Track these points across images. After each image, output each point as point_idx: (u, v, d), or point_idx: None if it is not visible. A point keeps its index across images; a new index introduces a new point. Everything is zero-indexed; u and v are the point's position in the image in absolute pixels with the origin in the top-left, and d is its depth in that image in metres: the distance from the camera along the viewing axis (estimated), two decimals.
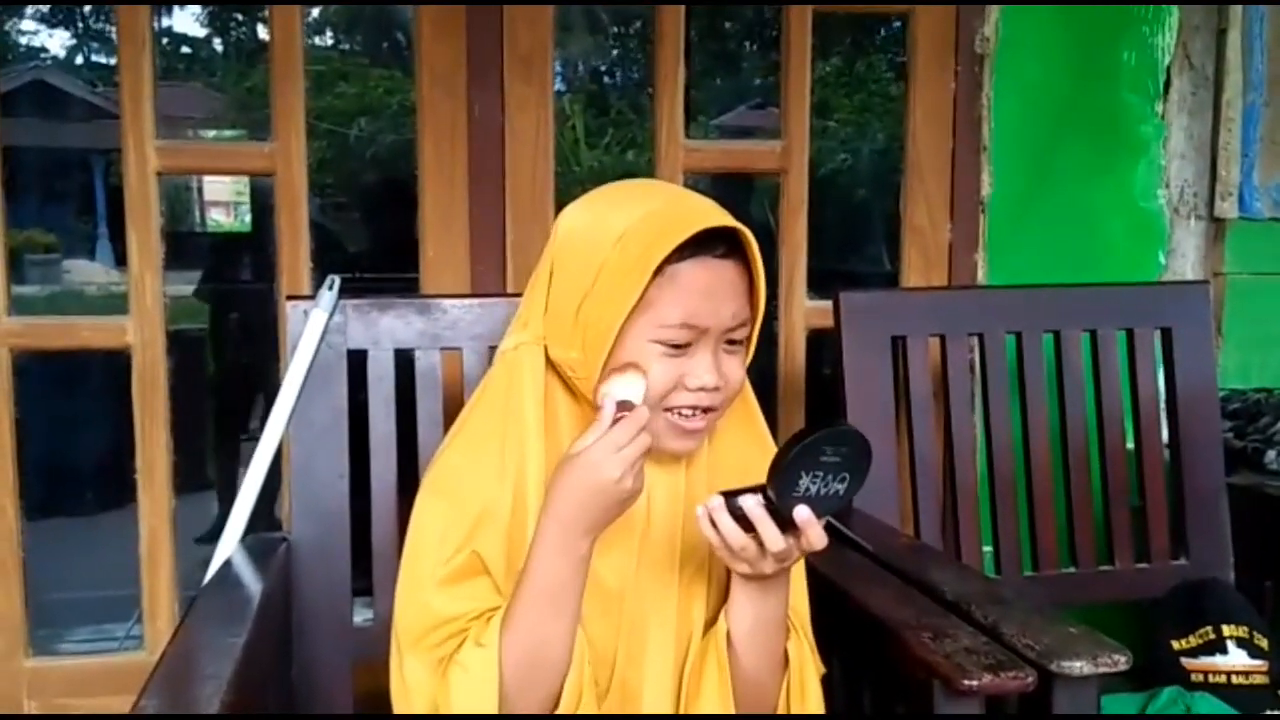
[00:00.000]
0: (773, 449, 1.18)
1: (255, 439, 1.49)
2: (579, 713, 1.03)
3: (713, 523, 0.98)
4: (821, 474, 0.95)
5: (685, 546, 1.10)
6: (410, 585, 1.06)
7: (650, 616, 1.08)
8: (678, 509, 1.10)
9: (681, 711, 1.07)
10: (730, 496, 0.98)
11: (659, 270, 1.00)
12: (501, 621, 1.01)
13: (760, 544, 0.98)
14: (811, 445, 0.94)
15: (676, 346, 1.03)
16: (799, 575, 1.14)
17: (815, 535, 0.97)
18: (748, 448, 1.16)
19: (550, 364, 1.08)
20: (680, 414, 1.05)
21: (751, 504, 0.96)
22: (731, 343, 1.06)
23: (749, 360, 1.10)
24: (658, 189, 1.10)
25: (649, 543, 1.09)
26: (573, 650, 1.02)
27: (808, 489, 0.95)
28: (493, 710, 0.99)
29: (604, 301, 1.01)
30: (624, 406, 1.01)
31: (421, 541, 1.07)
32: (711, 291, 1.02)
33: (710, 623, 1.10)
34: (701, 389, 1.04)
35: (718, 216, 1.03)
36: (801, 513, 0.95)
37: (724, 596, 1.09)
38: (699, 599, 1.10)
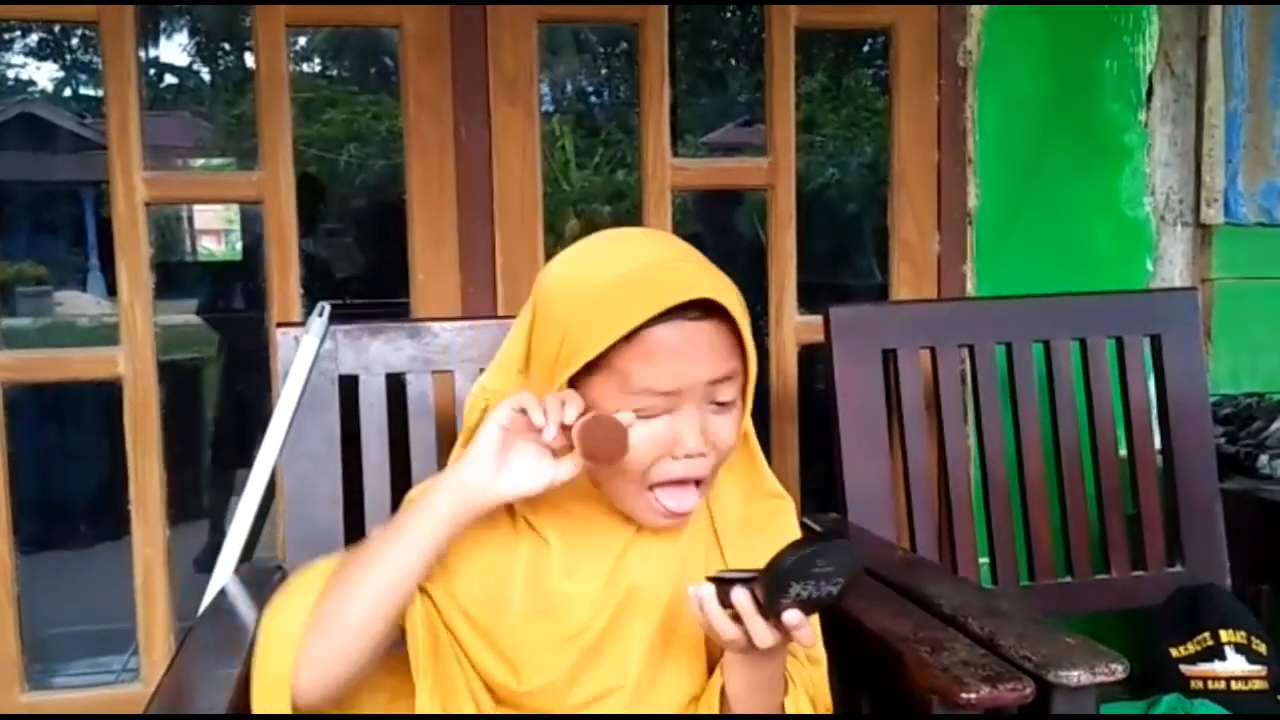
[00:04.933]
0: (781, 496, 1.15)
1: (248, 467, 1.48)
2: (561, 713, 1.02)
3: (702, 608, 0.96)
4: (814, 581, 0.92)
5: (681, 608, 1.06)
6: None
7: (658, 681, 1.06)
8: (676, 572, 1.07)
9: None
10: (722, 583, 0.95)
11: (627, 335, 0.96)
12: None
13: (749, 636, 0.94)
14: (803, 560, 0.91)
15: (648, 415, 0.98)
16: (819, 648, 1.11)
17: (804, 635, 0.95)
18: (750, 498, 1.13)
19: None
20: (664, 491, 1.01)
21: (742, 599, 0.93)
22: (719, 403, 1.01)
23: (745, 419, 1.05)
24: (640, 247, 1.04)
25: (646, 605, 1.06)
26: (374, 614, 0.99)
27: (799, 594, 0.92)
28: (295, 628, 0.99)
29: (570, 368, 0.99)
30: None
31: None
32: (684, 355, 0.97)
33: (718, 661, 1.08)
34: (688, 456, 0.99)
35: (691, 287, 0.97)
36: (791, 617, 0.92)
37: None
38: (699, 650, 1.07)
